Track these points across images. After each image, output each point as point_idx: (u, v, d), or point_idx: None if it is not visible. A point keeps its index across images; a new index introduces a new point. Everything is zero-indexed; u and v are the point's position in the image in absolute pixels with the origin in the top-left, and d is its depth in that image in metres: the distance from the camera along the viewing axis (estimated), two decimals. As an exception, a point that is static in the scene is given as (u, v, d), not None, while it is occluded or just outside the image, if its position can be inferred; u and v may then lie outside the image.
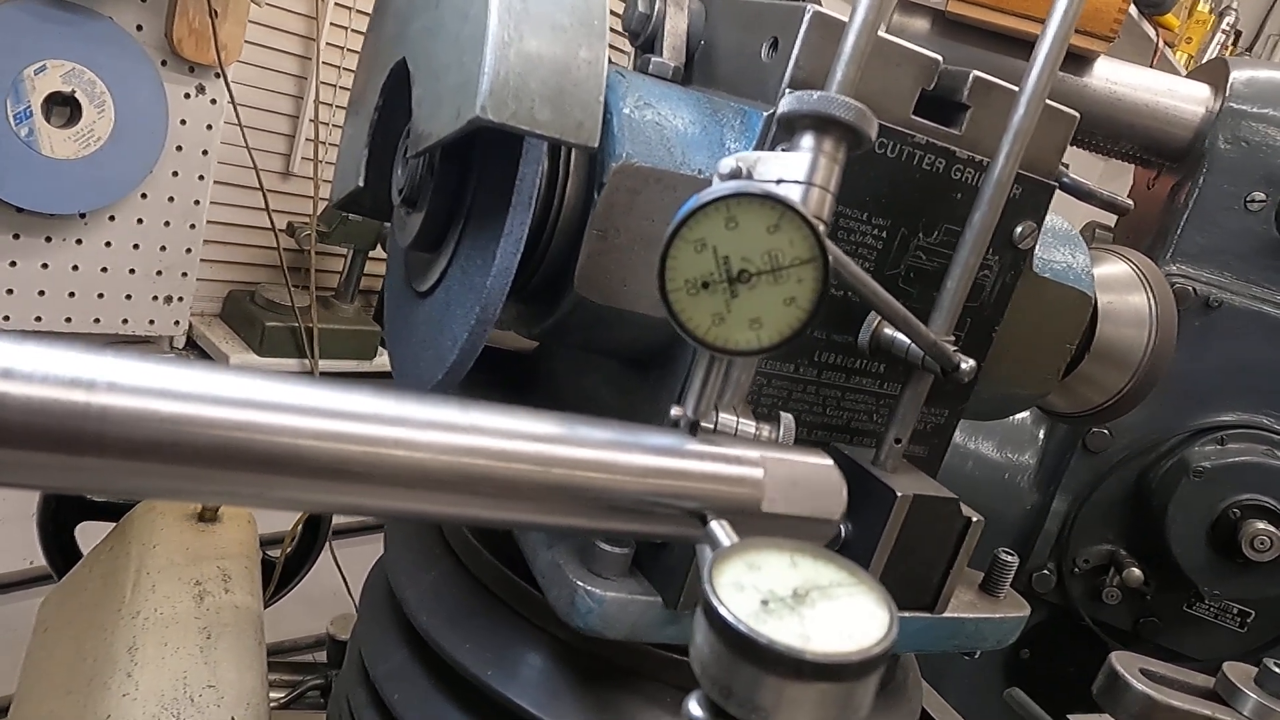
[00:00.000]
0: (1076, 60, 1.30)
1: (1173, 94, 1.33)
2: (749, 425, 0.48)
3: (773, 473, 0.38)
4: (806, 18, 0.52)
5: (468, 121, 0.43)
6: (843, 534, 0.58)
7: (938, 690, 1.04)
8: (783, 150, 0.39)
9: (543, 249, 0.54)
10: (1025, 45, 0.96)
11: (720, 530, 0.34)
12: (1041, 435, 1.48)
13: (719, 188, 0.34)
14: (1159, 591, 1.39)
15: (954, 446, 1.53)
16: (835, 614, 0.28)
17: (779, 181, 0.37)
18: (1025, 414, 1.49)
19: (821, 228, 0.35)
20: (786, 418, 0.49)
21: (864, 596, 0.29)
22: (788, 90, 0.50)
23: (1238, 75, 1.31)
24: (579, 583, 0.51)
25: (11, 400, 0.24)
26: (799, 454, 0.41)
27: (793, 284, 0.34)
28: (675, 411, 0.40)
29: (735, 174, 0.36)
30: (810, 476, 0.39)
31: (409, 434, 0.31)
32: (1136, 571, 1.36)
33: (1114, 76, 1.32)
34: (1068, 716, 0.78)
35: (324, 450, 0.29)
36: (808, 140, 0.38)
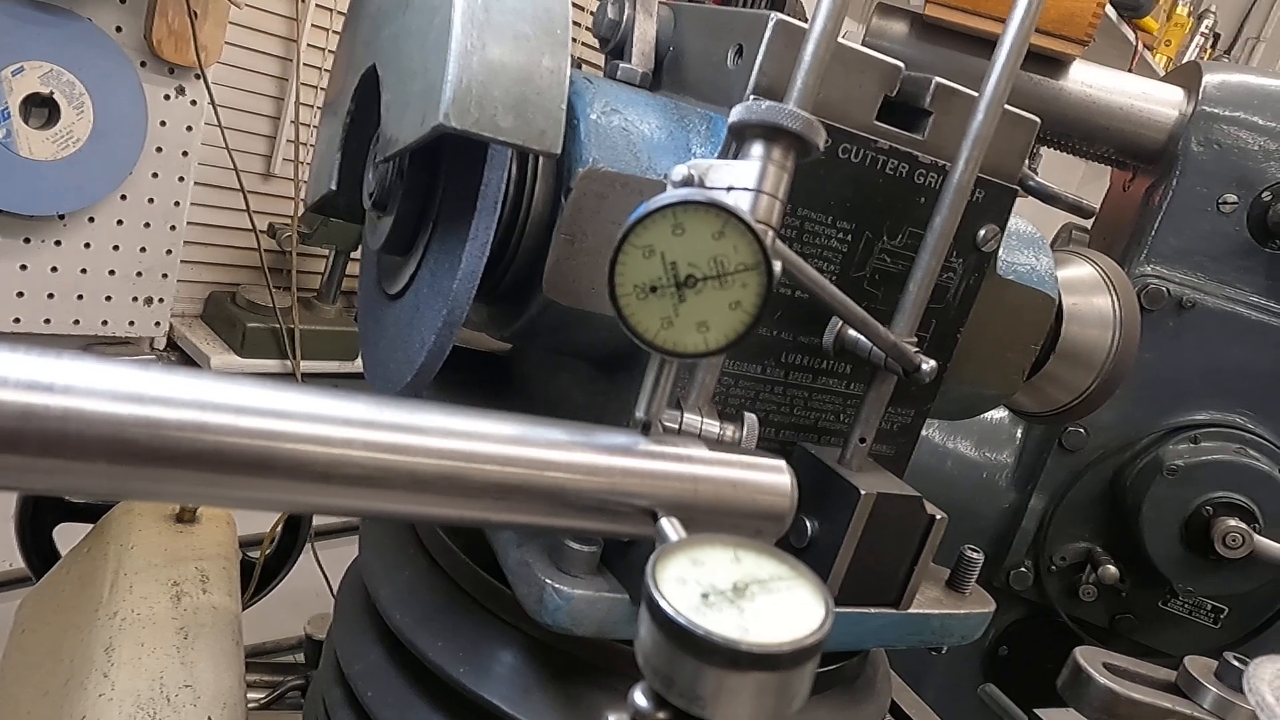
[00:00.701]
0: (1052, 64, 1.31)
1: (1147, 97, 1.35)
2: (713, 425, 0.49)
3: (719, 471, 0.39)
4: (770, 26, 0.53)
5: (432, 128, 0.44)
6: (809, 532, 0.59)
7: (916, 687, 1.05)
8: (734, 159, 0.40)
9: (511, 253, 0.54)
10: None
11: (669, 527, 0.35)
12: (1019, 434, 1.49)
13: (666, 195, 0.35)
14: (1134, 588, 1.41)
15: (932, 446, 1.55)
16: (773, 607, 0.29)
17: (729, 189, 0.38)
18: (1003, 413, 1.51)
19: (770, 234, 0.36)
20: (750, 418, 0.50)
21: (802, 590, 0.30)
22: (751, 97, 0.51)
23: (1210, 79, 1.32)
24: (547, 580, 0.51)
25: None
26: (745, 456, 0.42)
27: (738, 289, 0.35)
28: (639, 414, 0.41)
29: (688, 181, 0.37)
30: (757, 475, 0.40)
31: (374, 436, 0.32)
32: (1112, 569, 1.38)
33: (1089, 80, 1.34)
34: (1035, 711, 0.80)
35: (290, 451, 0.30)
36: (757, 149, 0.39)
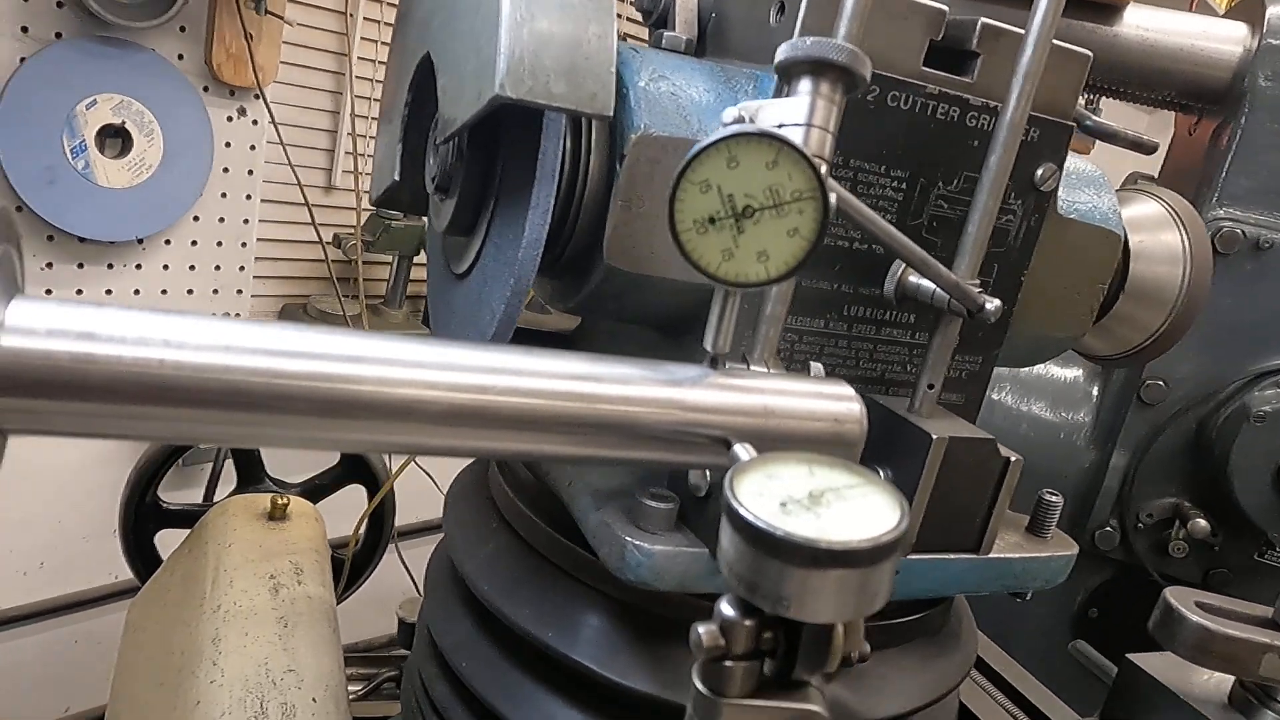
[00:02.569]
0: (1106, 10, 1.28)
1: (1208, 35, 1.31)
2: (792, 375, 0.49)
3: (788, 399, 0.40)
4: (810, -21, 0.53)
5: (488, 100, 0.45)
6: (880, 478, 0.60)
7: (1008, 647, 1.04)
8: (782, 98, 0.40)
9: (571, 224, 0.56)
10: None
11: (744, 452, 0.36)
12: (1095, 392, 1.46)
13: (719, 131, 0.36)
14: (1227, 541, 1.37)
15: (1007, 409, 1.52)
16: (849, 511, 0.30)
17: (780, 126, 0.39)
18: (1078, 372, 1.48)
19: (823, 166, 0.37)
20: (816, 366, 0.50)
21: (877, 496, 0.31)
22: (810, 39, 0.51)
23: (1274, 10, 1.28)
24: (627, 539, 0.53)
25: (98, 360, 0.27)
26: (814, 383, 0.43)
27: (794, 216, 0.36)
28: (707, 346, 0.42)
29: (739, 121, 0.38)
30: (825, 402, 0.41)
31: (453, 377, 0.33)
32: (1202, 522, 1.34)
33: (1145, 23, 1.30)
34: (1127, 656, 0.78)
35: (374, 394, 0.32)
36: (805, 85, 0.40)
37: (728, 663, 0.31)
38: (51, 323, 0.28)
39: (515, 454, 0.36)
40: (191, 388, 0.29)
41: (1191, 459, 1.37)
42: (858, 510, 0.30)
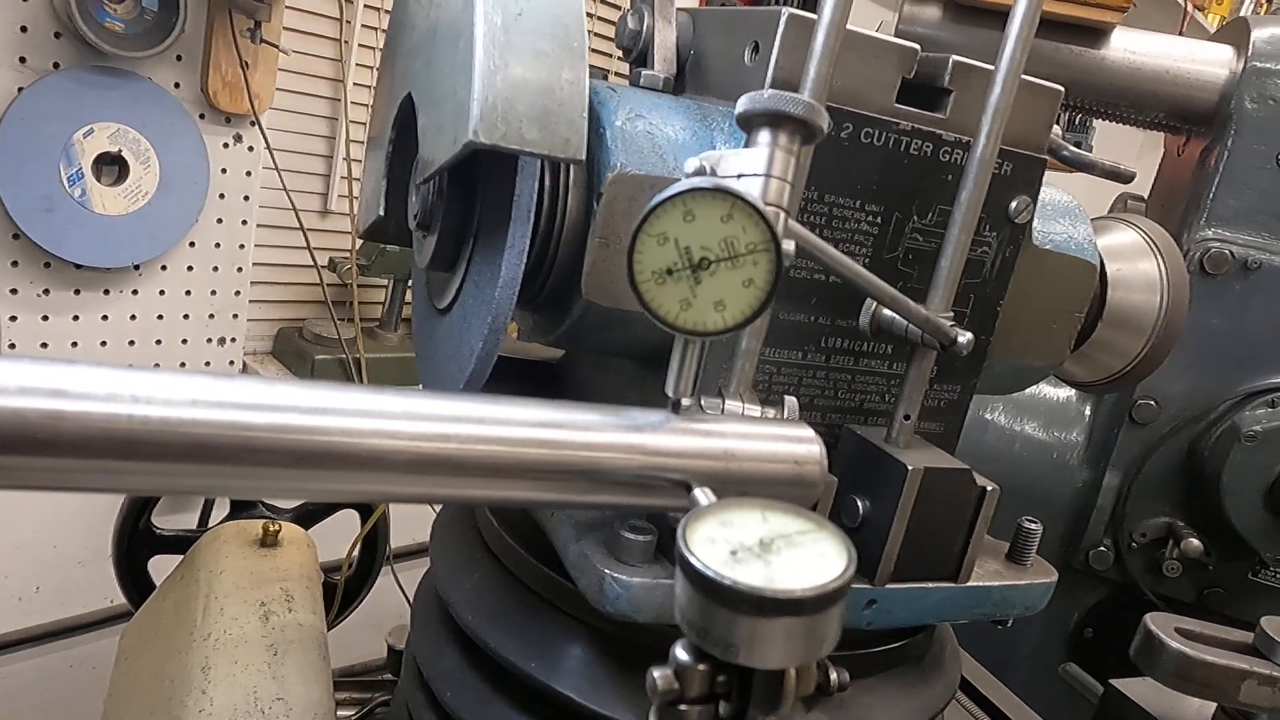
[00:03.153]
0: (1093, 34, 1.30)
1: (1194, 58, 1.32)
2: (754, 410, 0.50)
3: (747, 442, 0.41)
4: (782, 20, 0.54)
5: (463, 145, 0.46)
6: (861, 511, 0.60)
7: (1002, 672, 1.04)
8: (743, 148, 0.41)
9: (550, 260, 0.57)
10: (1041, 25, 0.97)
11: (702, 496, 0.37)
12: (1088, 412, 1.47)
13: (675, 185, 0.37)
14: (1221, 561, 1.37)
15: (1000, 429, 1.53)
16: (799, 559, 0.31)
17: (740, 175, 0.40)
18: (1070, 392, 1.49)
19: (781, 215, 0.38)
20: (790, 400, 0.51)
21: (826, 543, 0.32)
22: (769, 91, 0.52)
23: (1259, 34, 1.30)
24: (606, 570, 0.53)
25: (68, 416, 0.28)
26: (775, 425, 0.43)
27: (749, 267, 0.37)
28: (669, 392, 0.43)
29: (700, 172, 0.39)
30: (785, 444, 0.42)
31: (417, 427, 0.34)
32: (1195, 542, 1.34)
33: (1132, 46, 1.32)
34: (1110, 681, 0.79)
35: (336, 444, 0.32)
36: (764, 136, 0.41)
37: (683, 706, 0.31)
38: (23, 380, 0.29)
39: (482, 500, 0.37)
40: (160, 442, 0.30)
41: (1184, 478, 1.37)
42: (807, 557, 0.31)
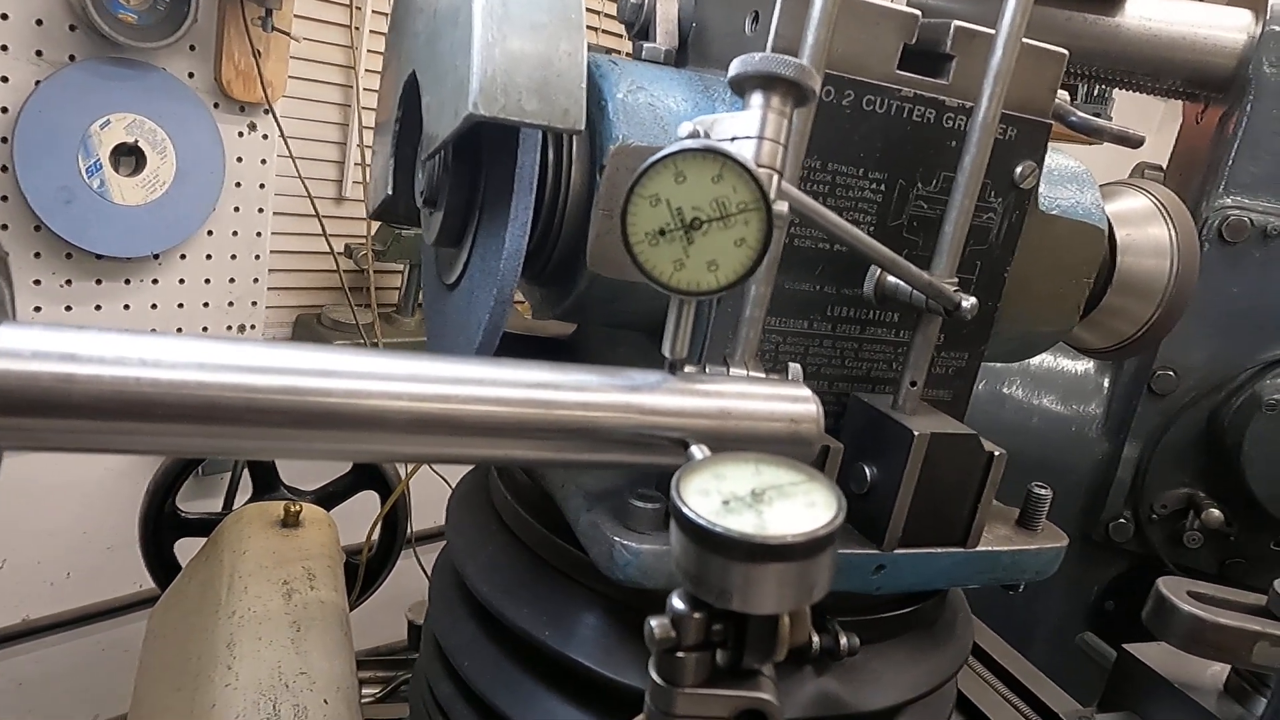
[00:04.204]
0: (1107, 1, 1.28)
1: (1211, 24, 1.30)
2: (758, 376, 0.51)
3: (743, 401, 0.41)
4: (782, -11, 0.54)
5: (464, 119, 0.47)
6: (869, 478, 0.61)
7: (1024, 644, 1.04)
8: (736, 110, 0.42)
9: (555, 233, 0.57)
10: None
11: (699, 453, 0.37)
12: (1106, 384, 1.46)
13: (667, 148, 0.37)
14: (1243, 531, 1.36)
15: (1018, 403, 1.52)
16: (790, 508, 0.31)
17: (733, 139, 0.40)
18: (1089, 364, 1.48)
19: (774, 177, 0.38)
20: (794, 367, 0.52)
21: (817, 492, 0.32)
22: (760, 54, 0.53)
23: (1277, -2, 1.28)
24: (615, 539, 0.54)
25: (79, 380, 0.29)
26: (771, 385, 0.44)
27: (740, 227, 0.37)
28: (665, 353, 0.43)
29: (693, 135, 0.40)
30: (783, 403, 0.42)
31: (420, 388, 0.35)
32: (1216, 512, 1.33)
33: (1148, 13, 1.30)
34: (1124, 646, 0.79)
35: (342, 405, 0.33)
36: (757, 99, 0.41)
37: (680, 654, 0.32)
38: (36, 346, 0.30)
39: (481, 459, 0.38)
40: (168, 404, 0.31)
41: (1204, 449, 1.36)
42: (798, 506, 0.31)
